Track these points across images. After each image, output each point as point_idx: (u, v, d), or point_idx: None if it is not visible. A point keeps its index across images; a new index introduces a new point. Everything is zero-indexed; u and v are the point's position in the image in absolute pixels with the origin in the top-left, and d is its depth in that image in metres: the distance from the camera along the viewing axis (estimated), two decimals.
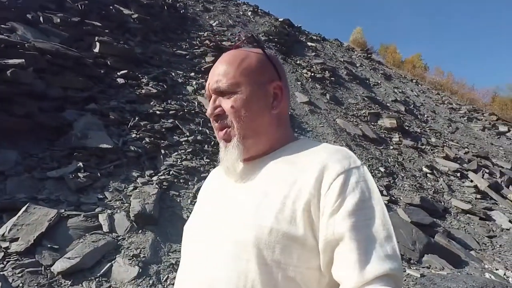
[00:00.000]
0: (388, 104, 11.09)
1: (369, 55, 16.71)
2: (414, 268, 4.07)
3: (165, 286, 2.64)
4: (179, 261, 2.72)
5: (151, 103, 5.71)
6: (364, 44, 18.17)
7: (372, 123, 9.09)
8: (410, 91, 14.06)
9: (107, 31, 7.13)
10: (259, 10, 16.88)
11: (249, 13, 15.78)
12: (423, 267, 4.17)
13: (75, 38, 6.52)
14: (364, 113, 9.46)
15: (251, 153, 0.77)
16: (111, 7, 8.22)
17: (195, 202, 3.33)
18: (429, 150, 8.37)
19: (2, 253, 2.54)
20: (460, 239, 5.20)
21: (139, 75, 6.45)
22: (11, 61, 4.23)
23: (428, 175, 6.94)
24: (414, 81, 16.05)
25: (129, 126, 4.83)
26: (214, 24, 12.25)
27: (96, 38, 6.52)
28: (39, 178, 3.44)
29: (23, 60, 4.39)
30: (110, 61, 6.35)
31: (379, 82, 13.32)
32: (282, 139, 0.80)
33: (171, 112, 5.67)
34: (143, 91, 5.94)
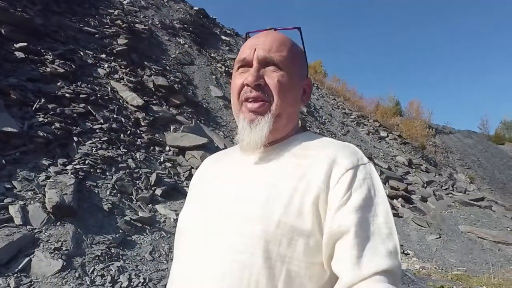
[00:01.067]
0: None
1: None
2: None
3: (92, 278, 2.61)
4: (104, 253, 2.72)
5: (58, 84, 5.21)
6: None
7: None
8: (311, 95, 15.55)
9: None
10: None
11: None
12: None
13: None
14: None
15: (272, 137, 0.74)
16: None
17: (115, 192, 3.33)
18: None
19: None
20: None
21: (42, 50, 5.77)
22: None
23: None
24: (315, 85, 17.76)
25: (33, 108, 4.37)
26: (125, 3, 11.46)
27: None
28: None
29: None
30: (4, 30, 5.52)
31: None
32: (293, 130, 0.80)
33: (82, 96, 5.27)
34: (48, 69, 5.36)
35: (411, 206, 9.09)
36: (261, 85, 0.73)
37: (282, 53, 0.75)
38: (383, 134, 15.17)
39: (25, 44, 5.50)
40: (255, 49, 0.75)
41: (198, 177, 0.89)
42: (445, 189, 11.54)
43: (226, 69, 11.21)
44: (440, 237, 7.20)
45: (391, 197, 8.99)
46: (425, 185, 11.25)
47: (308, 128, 10.26)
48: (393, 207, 8.39)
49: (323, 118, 12.86)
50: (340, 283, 0.61)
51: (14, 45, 5.40)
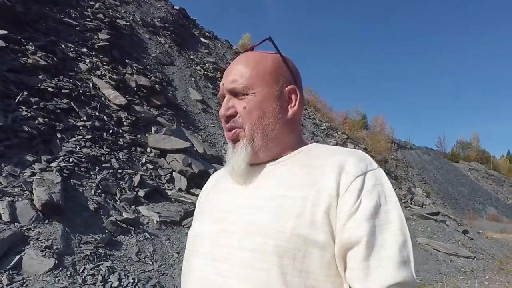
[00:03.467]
0: None
1: None
2: None
3: (83, 277, 2.65)
4: (93, 252, 2.79)
5: (40, 76, 5.10)
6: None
7: None
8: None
9: None
10: None
11: None
12: None
13: None
14: None
15: (261, 157, 0.74)
16: None
17: (100, 192, 3.41)
18: None
19: None
20: None
21: (23, 40, 5.60)
22: None
23: None
24: None
25: (16, 101, 4.27)
26: None
27: None
28: None
29: None
30: None
31: None
32: (294, 144, 0.77)
33: (64, 91, 5.18)
34: (30, 60, 5.23)
35: None
36: (232, 115, 0.75)
37: (244, 78, 0.74)
38: (350, 146, 15.86)
39: (5, 32, 5.32)
40: (223, 83, 0.78)
41: (206, 192, 0.88)
42: (404, 202, 12.27)
43: (205, 72, 11.28)
44: None
45: None
46: None
47: None
48: None
49: None
50: None
51: None
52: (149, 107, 6.97)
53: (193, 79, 10.25)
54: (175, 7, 15.56)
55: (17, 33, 5.67)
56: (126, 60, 7.98)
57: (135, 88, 6.97)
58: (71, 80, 5.60)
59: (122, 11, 10.93)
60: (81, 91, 5.48)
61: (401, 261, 0.59)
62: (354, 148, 15.87)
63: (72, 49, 6.64)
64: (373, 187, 0.65)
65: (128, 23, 10.04)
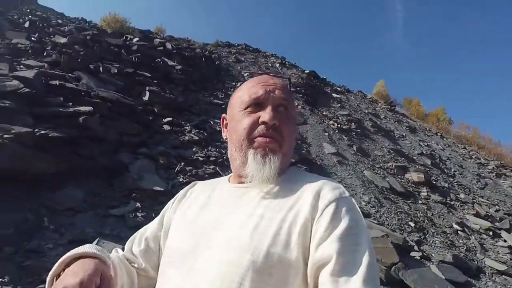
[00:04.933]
0: (414, 157, 11.23)
1: (392, 108, 17.14)
2: None
3: None
4: None
5: (193, 149, 6.16)
6: (387, 96, 18.68)
7: (399, 176, 9.21)
8: (436, 145, 14.18)
9: (155, 81, 7.87)
10: (286, 62, 17.91)
11: (277, 65, 16.77)
12: None
13: (128, 86, 7.23)
14: (390, 165, 9.63)
15: (271, 174, 0.77)
16: (158, 59, 9.08)
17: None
18: (458, 206, 8.36)
19: None
20: None
21: (182, 122, 7.00)
22: (82, 109, 4.80)
23: (459, 232, 6.91)
24: (439, 134, 16.19)
25: (176, 171, 5.24)
26: (245, 75, 13.10)
27: (147, 87, 7.21)
28: (103, 215, 3.81)
29: (91, 107, 4.97)
30: (157, 109, 6.96)
31: (404, 134, 13.57)
32: (285, 167, 0.82)
33: (211, 158, 6.08)
34: (186, 137, 6.43)
35: None
36: (275, 125, 0.76)
37: (289, 97, 0.82)
38: None
39: (170, 118, 6.80)
40: (270, 90, 0.79)
41: (179, 199, 0.91)
42: None
43: (339, 125, 11.32)
44: None
45: None
46: None
47: (434, 182, 9.25)
48: None
49: (452, 170, 11.44)
50: None
51: (163, 120, 6.72)
52: None
53: (326, 133, 10.41)
54: (305, 71, 16.72)
55: (178, 117, 7.15)
56: None
57: None
58: (216, 149, 6.54)
59: None
60: (224, 158, 6.31)
61: (368, 278, 0.61)
62: None
63: (218, 123, 7.85)
64: (346, 212, 0.69)
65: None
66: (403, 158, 10.63)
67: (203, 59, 11.52)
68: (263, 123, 0.76)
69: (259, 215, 0.71)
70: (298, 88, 13.77)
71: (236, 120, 0.82)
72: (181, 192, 0.95)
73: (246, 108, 0.80)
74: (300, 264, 0.66)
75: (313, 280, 0.65)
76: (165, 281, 0.76)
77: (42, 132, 3.98)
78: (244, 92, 0.83)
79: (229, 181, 0.88)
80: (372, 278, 0.62)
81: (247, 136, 0.78)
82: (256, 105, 0.79)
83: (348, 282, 0.61)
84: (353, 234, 0.66)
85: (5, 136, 3.61)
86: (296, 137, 0.87)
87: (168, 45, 10.89)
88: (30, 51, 6.64)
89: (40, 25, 9.27)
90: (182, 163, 5.50)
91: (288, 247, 0.66)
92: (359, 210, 0.73)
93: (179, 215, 0.86)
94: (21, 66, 5.62)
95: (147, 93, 7.12)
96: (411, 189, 8.60)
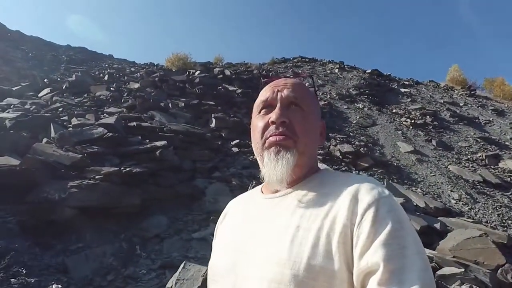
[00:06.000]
0: (506, 143, 9.93)
1: (472, 92, 15.47)
2: None
3: None
4: None
5: None
6: (465, 81, 16.93)
7: (492, 166, 8.20)
8: None
9: (219, 107, 8.30)
10: (345, 66, 17.46)
11: (336, 70, 16.44)
12: None
13: (195, 116, 7.75)
14: (480, 156, 8.64)
15: (294, 174, 0.74)
16: (219, 87, 9.59)
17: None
18: None
19: None
20: None
21: (249, 142, 7.20)
22: (158, 143, 5.27)
23: None
24: None
25: (248, 190, 5.38)
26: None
27: (212, 115, 7.63)
28: (186, 239, 4.06)
29: (166, 141, 5.42)
30: (224, 133, 7.31)
31: (490, 119, 12.11)
32: (313, 169, 0.80)
33: None
34: (254, 156, 6.59)
35: None
36: (286, 123, 0.74)
37: (303, 94, 0.79)
38: None
39: (237, 140, 7.06)
40: (278, 91, 0.78)
41: (223, 222, 0.89)
42: None
43: (412, 121, 10.57)
44: None
45: None
46: None
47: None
48: None
49: None
50: None
51: (231, 143, 7.01)
52: (358, 170, 7.09)
53: (399, 132, 9.79)
54: (367, 71, 16.09)
55: (245, 138, 7.39)
56: (329, 134, 8.67)
57: (340, 157, 7.35)
58: None
59: (320, 94, 12.28)
60: None
61: (421, 285, 0.57)
62: None
63: None
64: (388, 214, 0.64)
65: (326, 102, 11.13)
66: (493, 146, 9.47)
67: (261, 78, 11.81)
68: (272, 122, 0.75)
69: (295, 226, 0.69)
70: (361, 90, 13.29)
71: (253, 127, 0.82)
72: (220, 217, 0.95)
73: (259, 112, 0.81)
74: (344, 274, 0.63)
75: None
76: None
77: (127, 169, 4.45)
78: (258, 99, 0.84)
79: (262, 191, 0.86)
80: (425, 284, 0.58)
81: (261, 139, 0.77)
82: (267, 107, 0.79)
83: None
84: (399, 237, 0.62)
85: (96, 177, 4.12)
86: (322, 134, 0.84)
87: (227, 72, 11.45)
88: (110, 99, 7.55)
89: (117, 75, 10.51)
90: (254, 182, 5.63)
91: (329, 258, 0.63)
92: (402, 209, 0.68)
93: (219, 237, 0.87)
94: (104, 114, 6.41)
95: (213, 120, 7.52)
96: (509, 179, 7.58)
